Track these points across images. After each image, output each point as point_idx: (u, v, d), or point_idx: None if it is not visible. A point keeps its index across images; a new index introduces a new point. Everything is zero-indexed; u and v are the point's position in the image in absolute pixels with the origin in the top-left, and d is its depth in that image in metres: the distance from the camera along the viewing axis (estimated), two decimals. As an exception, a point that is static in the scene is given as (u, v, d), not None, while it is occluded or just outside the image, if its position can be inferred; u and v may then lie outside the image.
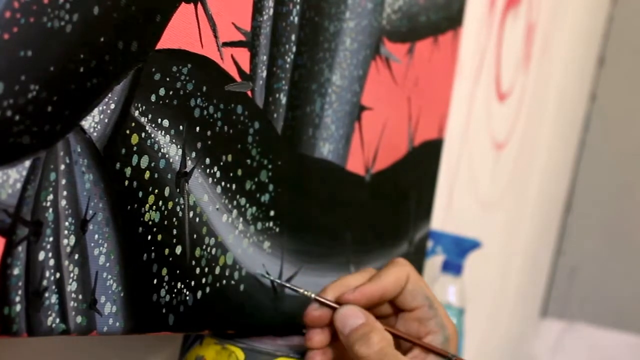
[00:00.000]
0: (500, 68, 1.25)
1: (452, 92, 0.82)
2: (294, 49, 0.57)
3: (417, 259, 0.82)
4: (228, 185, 0.53)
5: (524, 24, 1.33)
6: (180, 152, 0.48)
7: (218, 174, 0.52)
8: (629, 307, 2.00)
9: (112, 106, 0.43)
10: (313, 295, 0.55)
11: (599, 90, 2.05)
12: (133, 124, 0.44)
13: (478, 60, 1.14)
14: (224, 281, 0.53)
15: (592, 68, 2.02)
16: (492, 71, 1.22)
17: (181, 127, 0.48)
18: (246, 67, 0.53)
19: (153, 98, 0.45)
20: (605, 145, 2.04)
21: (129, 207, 0.45)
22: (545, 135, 1.66)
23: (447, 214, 1.13)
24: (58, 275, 0.41)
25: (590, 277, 2.05)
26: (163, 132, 0.47)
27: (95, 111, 0.42)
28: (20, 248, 0.39)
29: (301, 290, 0.56)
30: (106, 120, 0.43)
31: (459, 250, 0.98)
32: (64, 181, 0.41)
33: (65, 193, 0.41)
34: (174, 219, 0.48)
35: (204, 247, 0.51)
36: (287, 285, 0.58)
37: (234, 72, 0.51)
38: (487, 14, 1.13)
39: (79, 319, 0.43)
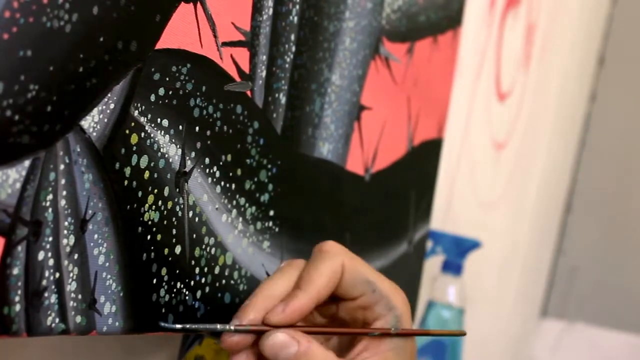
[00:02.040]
0: (500, 68, 1.25)
1: (451, 92, 0.82)
2: (293, 48, 0.57)
3: (417, 259, 0.82)
4: (227, 185, 0.53)
5: (524, 24, 1.33)
6: (179, 151, 0.48)
7: (217, 174, 0.52)
8: (629, 307, 2.00)
9: (112, 106, 0.43)
10: (231, 327, 0.47)
11: (599, 90, 2.05)
12: (132, 124, 0.44)
13: (478, 60, 1.14)
14: (224, 281, 0.53)
15: (592, 68, 2.02)
16: (492, 71, 1.22)
17: (181, 127, 0.48)
18: (245, 67, 0.53)
19: (152, 98, 0.45)
20: (605, 145, 2.04)
21: (128, 206, 0.45)
22: (545, 135, 1.66)
23: (447, 214, 1.13)
24: (57, 275, 0.41)
25: (590, 277, 2.05)
26: (162, 131, 0.47)
27: (95, 111, 0.42)
28: (19, 248, 0.39)
29: (208, 327, 0.49)
30: (106, 120, 0.43)
31: (459, 250, 0.98)
32: (63, 181, 0.41)
33: (64, 193, 0.41)
34: (174, 218, 0.48)
35: (204, 246, 0.51)
36: (189, 328, 0.49)
37: (233, 72, 0.52)
38: (487, 14, 1.13)
39: (78, 318, 0.43)
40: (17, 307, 0.39)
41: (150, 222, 0.47)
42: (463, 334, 0.58)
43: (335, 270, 0.50)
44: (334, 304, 0.52)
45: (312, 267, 0.50)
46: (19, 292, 0.39)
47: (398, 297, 0.52)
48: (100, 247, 0.44)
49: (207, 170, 0.51)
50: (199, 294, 0.51)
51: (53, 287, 0.41)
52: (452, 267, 0.97)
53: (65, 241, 0.41)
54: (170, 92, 0.47)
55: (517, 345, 1.84)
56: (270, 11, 0.54)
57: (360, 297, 0.51)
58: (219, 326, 0.47)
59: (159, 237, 0.48)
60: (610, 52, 2.03)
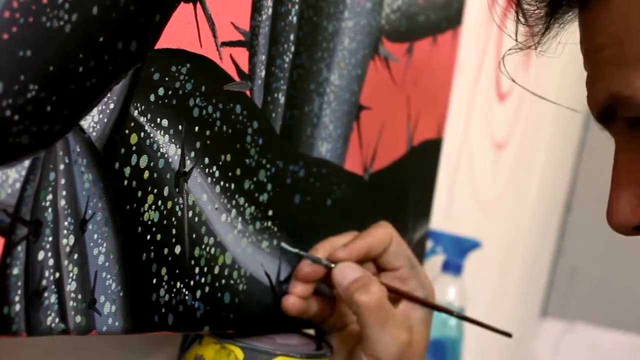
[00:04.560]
0: (500, 68, 1.25)
1: (451, 91, 0.82)
2: (292, 48, 0.57)
3: (417, 258, 0.81)
4: (227, 185, 0.53)
5: (524, 24, 1.33)
6: (179, 151, 0.48)
7: (217, 174, 0.52)
8: (629, 307, 2.00)
9: (112, 106, 0.43)
10: (304, 254, 0.59)
11: (599, 90, 2.04)
12: (132, 124, 0.44)
13: (478, 60, 1.14)
14: (223, 280, 0.54)
15: (592, 68, 2.01)
16: (492, 71, 1.22)
17: (180, 127, 0.48)
18: (245, 67, 0.53)
19: (152, 98, 0.46)
20: (605, 146, 2.04)
21: (128, 206, 0.45)
22: (545, 135, 1.66)
23: (447, 214, 1.13)
24: (57, 274, 0.41)
25: (590, 277, 2.05)
26: (162, 131, 0.47)
27: (95, 111, 0.42)
28: (19, 248, 0.39)
29: (295, 251, 0.59)
30: (105, 120, 0.43)
31: (459, 250, 0.98)
32: (63, 181, 0.41)
33: (64, 193, 0.41)
34: (173, 218, 0.49)
35: (203, 246, 0.51)
36: (300, 252, 0.59)
37: (232, 72, 0.52)
38: (487, 14, 1.13)
39: (78, 318, 0.43)
40: (17, 307, 0.39)
41: (150, 222, 0.47)
42: (509, 335, 0.63)
43: (385, 237, 0.60)
44: (377, 274, 0.61)
45: (367, 230, 0.61)
46: (19, 292, 0.39)
47: (429, 281, 0.61)
48: (100, 247, 0.44)
49: (207, 170, 0.51)
50: (198, 293, 0.51)
51: (53, 287, 0.41)
52: (452, 267, 0.97)
53: (65, 241, 0.41)
54: (170, 92, 0.47)
55: (517, 345, 1.84)
56: (270, 11, 0.54)
57: (399, 269, 0.60)
58: (310, 255, 0.59)
59: (158, 237, 0.48)
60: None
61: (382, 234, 0.60)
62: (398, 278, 0.61)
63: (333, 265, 0.58)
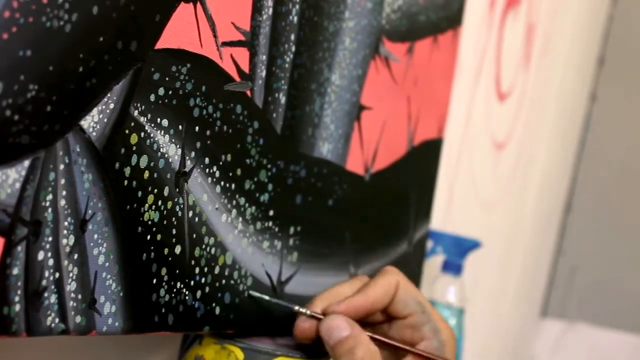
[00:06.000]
0: (500, 68, 1.25)
1: (451, 91, 0.82)
2: (293, 48, 0.57)
3: (417, 259, 0.81)
4: (227, 185, 0.53)
5: (524, 24, 1.33)
6: (179, 151, 0.48)
7: (217, 174, 0.52)
8: (629, 307, 2.00)
9: (112, 106, 0.43)
10: (297, 308, 0.55)
11: (599, 90, 2.05)
12: (132, 124, 0.44)
13: (478, 60, 1.14)
14: (224, 281, 0.53)
15: (592, 68, 2.02)
16: (492, 71, 1.22)
17: (180, 127, 0.48)
18: (245, 67, 0.53)
19: (152, 98, 0.45)
20: (605, 145, 2.04)
21: (128, 206, 0.45)
22: (545, 135, 1.66)
23: (447, 214, 1.13)
24: (57, 275, 0.41)
25: (590, 277, 2.05)
26: (162, 131, 0.47)
27: (95, 111, 0.42)
28: (19, 248, 0.39)
29: (284, 304, 0.56)
30: (105, 120, 0.43)
31: (459, 250, 0.98)
32: (63, 181, 0.41)
33: (64, 193, 0.41)
34: (174, 218, 0.48)
35: (204, 246, 0.51)
36: (275, 301, 0.57)
37: (233, 72, 0.52)
38: (487, 14, 1.13)
39: (78, 318, 0.43)
40: (17, 307, 0.39)
41: (150, 222, 0.47)
42: None
43: (390, 286, 0.56)
44: (386, 323, 0.58)
45: (371, 281, 0.57)
46: (19, 292, 0.39)
47: (444, 324, 0.57)
48: (100, 247, 0.44)
49: (207, 170, 0.51)
50: (199, 293, 0.51)
51: (53, 287, 0.41)
52: (452, 267, 0.97)
53: (65, 241, 0.41)
54: (170, 92, 0.47)
55: (517, 345, 1.84)
56: (270, 11, 0.54)
57: (409, 317, 0.56)
58: (296, 307, 0.55)
59: (158, 237, 0.48)
60: (610, 52, 2.03)
61: (386, 284, 0.56)
62: (409, 326, 0.57)
63: (321, 317, 0.55)
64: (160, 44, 0.45)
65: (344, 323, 0.54)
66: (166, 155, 0.47)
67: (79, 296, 0.42)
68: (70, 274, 0.42)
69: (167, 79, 0.46)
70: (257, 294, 0.56)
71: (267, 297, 0.56)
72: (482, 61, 1.16)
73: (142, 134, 0.45)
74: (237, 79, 0.52)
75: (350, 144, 0.65)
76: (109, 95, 0.42)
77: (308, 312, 0.55)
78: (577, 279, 2.07)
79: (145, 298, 0.47)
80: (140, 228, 0.46)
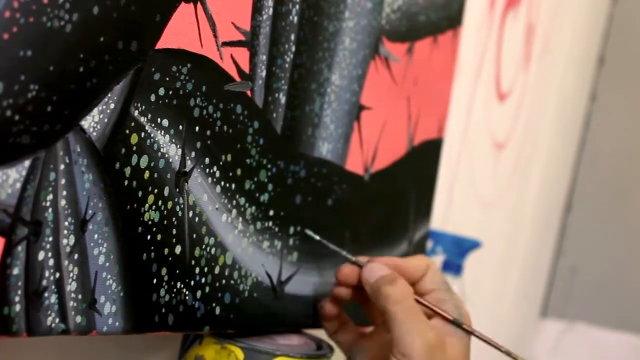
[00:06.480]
0: (500, 68, 1.25)
1: (451, 91, 0.82)
2: (293, 48, 0.57)
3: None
4: (227, 185, 0.53)
5: (524, 24, 1.33)
6: (179, 151, 0.48)
7: (217, 174, 0.52)
8: (629, 307, 2.00)
9: (112, 106, 0.43)
10: (344, 253, 0.61)
11: (599, 90, 2.05)
12: (132, 124, 0.44)
13: (478, 60, 1.14)
14: (224, 281, 0.53)
15: (592, 68, 2.02)
16: (492, 71, 1.22)
17: (181, 127, 0.48)
18: (245, 67, 0.53)
19: (152, 98, 0.46)
20: (605, 145, 2.04)
21: (128, 206, 0.45)
22: (545, 135, 1.66)
23: (447, 214, 1.13)
24: (58, 275, 0.41)
25: (590, 277, 2.05)
26: (162, 131, 0.47)
27: (95, 111, 0.42)
28: (19, 248, 0.39)
29: (333, 247, 0.61)
30: (106, 120, 0.43)
31: (459, 250, 0.98)
32: (63, 181, 0.41)
33: (64, 193, 0.41)
34: (174, 218, 0.48)
35: (204, 246, 0.51)
36: (325, 242, 0.61)
37: (233, 72, 0.52)
38: (487, 14, 1.13)
39: (78, 318, 0.43)
40: (17, 307, 0.39)
41: (150, 222, 0.47)
42: None
43: (422, 264, 0.60)
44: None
45: (407, 257, 0.62)
46: (19, 292, 0.39)
47: (463, 305, 0.60)
48: (100, 247, 0.44)
49: (207, 170, 0.51)
50: (199, 294, 0.51)
51: (53, 287, 0.41)
52: (452, 267, 0.97)
53: (65, 241, 0.41)
54: (171, 92, 0.47)
55: (517, 345, 1.84)
56: (270, 11, 0.54)
57: (434, 292, 0.60)
58: (344, 252, 0.61)
59: (159, 237, 0.48)
60: (610, 52, 2.04)
61: (419, 261, 0.61)
62: (433, 300, 0.60)
63: (363, 263, 0.60)
64: (160, 44, 0.45)
65: (385, 266, 0.59)
66: (166, 155, 0.47)
67: (79, 296, 0.43)
68: (71, 274, 0.42)
69: (167, 79, 0.46)
70: (310, 233, 0.60)
71: (318, 237, 0.61)
72: (482, 61, 1.16)
73: (143, 134, 0.45)
74: (237, 79, 0.52)
75: (350, 144, 0.65)
76: (109, 95, 0.42)
77: (354, 258, 0.60)
78: (577, 279, 2.07)
79: (146, 298, 0.47)
80: (140, 228, 0.46)
